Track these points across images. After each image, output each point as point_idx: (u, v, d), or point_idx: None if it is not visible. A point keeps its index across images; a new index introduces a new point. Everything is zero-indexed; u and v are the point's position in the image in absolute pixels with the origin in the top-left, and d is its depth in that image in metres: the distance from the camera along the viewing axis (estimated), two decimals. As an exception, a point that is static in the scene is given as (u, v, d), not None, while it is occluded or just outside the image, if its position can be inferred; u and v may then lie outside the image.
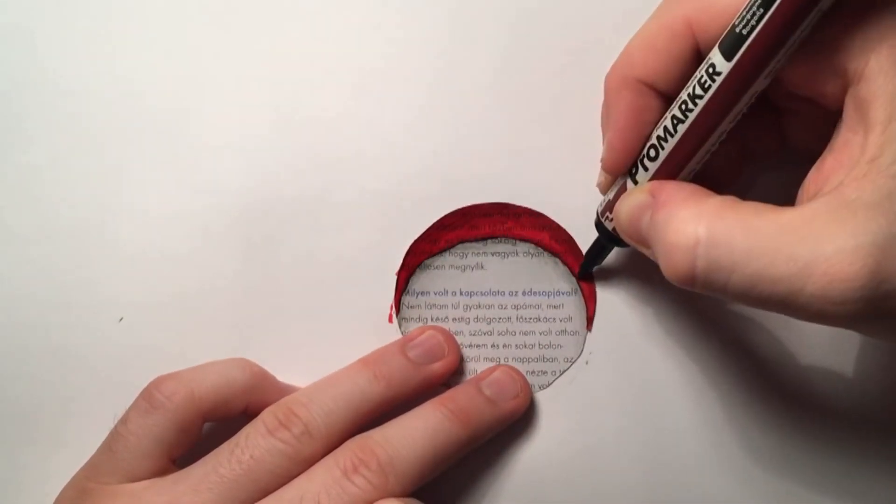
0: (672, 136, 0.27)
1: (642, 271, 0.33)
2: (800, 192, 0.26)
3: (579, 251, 0.33)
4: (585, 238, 0.33)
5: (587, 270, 0.33)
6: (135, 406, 0.30)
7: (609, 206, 0.30)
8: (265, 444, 0.28)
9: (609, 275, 0.33)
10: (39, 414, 0.33)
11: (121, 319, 0.33)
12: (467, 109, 0.33)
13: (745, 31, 0.24)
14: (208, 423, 0.31)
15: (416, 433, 0.29)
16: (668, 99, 0.28)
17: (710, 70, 0.25)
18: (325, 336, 0.33)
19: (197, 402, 0.29)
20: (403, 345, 0.32)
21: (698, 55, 0.27)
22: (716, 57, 0.25)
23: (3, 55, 0.34)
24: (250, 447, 0.28)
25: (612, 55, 0.33)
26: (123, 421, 0.29)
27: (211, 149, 0.34)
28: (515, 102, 0.33)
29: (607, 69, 0.32)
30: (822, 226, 0.22)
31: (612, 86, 0.29)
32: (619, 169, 0.29)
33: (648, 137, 0.28)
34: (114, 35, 0.34)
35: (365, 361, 0.31)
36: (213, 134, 0.34)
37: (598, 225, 0.31)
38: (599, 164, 0.30)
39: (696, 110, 0.26)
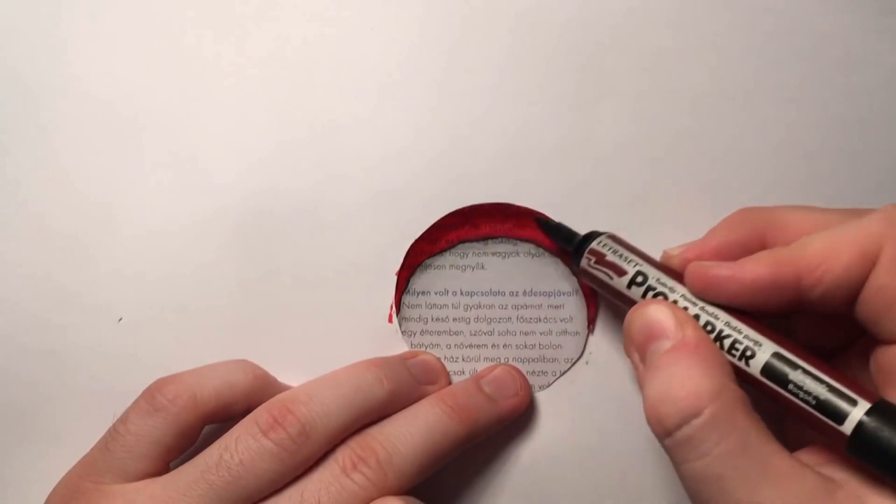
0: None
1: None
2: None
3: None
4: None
5: (545, 228, 0.33)
6: (135, 407, 0.29)
7: (606, 264, 0.29)
8: (256, 447, 0.27)
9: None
10: (38, 413, 0.33)
11: (120, 320, 0.33)
12: (468, 109, 0.33)
13: (791, 388, 0.24)
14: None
15: (415, 430, 0.29)
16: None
17: (749, 353, 0.25)
18: (325, 336, 0.33)
19: (199, 406, 0.29)
20: (404, 360, 0.32)
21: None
22: (761, 355, 0.25)
23: (1, 58, 0.34)
24: (240, 450, 0.27)
25: (612, 55, 0.33)
26: (123, 420, 0.29)
27: (211, 148, 0.33)
28: (516, 102, 0.33)
29: (606, 69, 0.32)
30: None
31: (770, 259, 0.26)
32: (710, 296, 0.26)
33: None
34: (113, 38, 0.34)
35: (370, 363, 0.31)
36: (213, 134, 0.34)
37: (585, 242, 0.30)
38: (687, 243, 0.28)
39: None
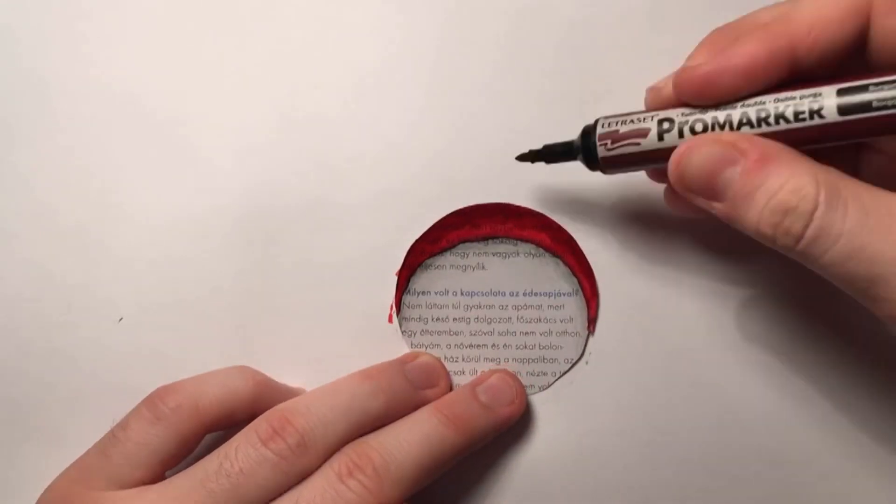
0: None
1: (644, 273, 0.33)
2: None
3: (580, 252, 0.33)
4: (586, 239, 0.33)
5: (534, 159, 0.31)
6: (137, 414, 0.29)
7: (624, 136, 0.27)
8: (256, 456, 0.28)
9: (610, 276, 0.33)
10: (39, 413, 0.33)
11: (120, 319, 0.33)
12: (468, 109, 0.33)
13: (876, 104, 0.24)
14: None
15: (412, 438, 0.29)
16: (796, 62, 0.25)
17: (817, 107, 0.24)
18: (325, 336, 0.33)
19: (201, 415, 0.29)
20: (402, 364, 0.32)
21: (864, 36, 0.25)
22: (828, 100, 0.24)
23: (5, 56, 0.34)
24: (240, 459, 0.27)
25: (611, 54, 0.33)
26: (123, 426, 0.29)
27: (211, 149, 0.33)
28: (516, 102, 0.33)
29: (606, 68, 0.32)
30: None
31: (758, 36, 0.25)
32: (713, 97, 0.26)
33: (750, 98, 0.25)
34: (114, 36, 0.34)
35: (366, 374, 0.31)
36: (213, 134, 0.34)
37: (587, 136, 0.29)
38: (665, 78, 0.28)
39: (772, 129, 0.25)
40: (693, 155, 0.26)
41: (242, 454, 0.28)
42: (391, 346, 0.33)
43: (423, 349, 0.33)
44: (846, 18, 0.25)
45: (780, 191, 0.24)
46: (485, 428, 0.31)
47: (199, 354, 0.33)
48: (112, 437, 0.29)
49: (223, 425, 0.30)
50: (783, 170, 0.24)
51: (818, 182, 0.23)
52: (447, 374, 0.33)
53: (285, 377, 0.32)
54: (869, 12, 0.25)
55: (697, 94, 0.26)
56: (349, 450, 0.29)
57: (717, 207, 0.26)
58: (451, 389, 0.33)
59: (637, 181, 0.33)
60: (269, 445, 0.28)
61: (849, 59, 0.25)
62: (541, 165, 0.33)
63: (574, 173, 0.33)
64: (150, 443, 0.28)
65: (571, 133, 0.33)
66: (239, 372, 0.31)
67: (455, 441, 0.30)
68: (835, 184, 0.23)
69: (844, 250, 0.23)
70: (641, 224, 0.33)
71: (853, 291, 0.24)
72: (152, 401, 0.29)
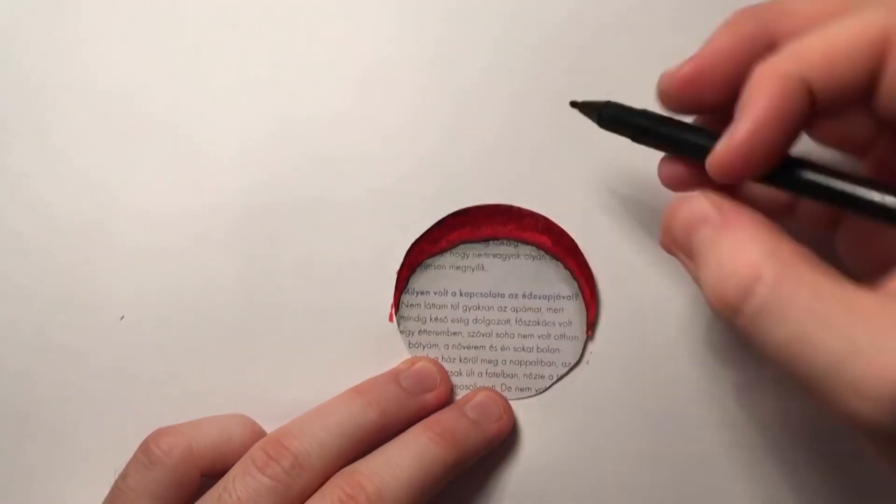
0: None
1: (643, 276, 0.33)
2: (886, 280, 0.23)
3: (581, 255, 0.33)
4: (587, 239, 0.33)
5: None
6: (134, 460, 0.30)
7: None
8: (253, 484, 0.28)
9: (611, 280, 0.33)
10: (40, 412, 0.33)
11: (122, 318, 0.33)
12: (468, 109, 0.33)
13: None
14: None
15: (403, 461, 0.29)
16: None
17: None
18: (325, 335, 0.33)
19: (195, 457, 0.29)
20: (396, 375, 0.32)
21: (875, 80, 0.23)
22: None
23: (2, 55, 0.34)
24: (238, 488, 0.28)
25: (612, 54, 0.33)
26: (123, 477, 0.29)
27: (211, 147, 0.33)
28: (518, 102, 0.33)
29: (607, 68, 0.32)
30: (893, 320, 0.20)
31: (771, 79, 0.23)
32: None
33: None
34: (114, 35, 0.34)
35: (357, 390, 0.31)
36: (213, 133, 0.33)
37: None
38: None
39: None
40: (681, 207, 0.24)
41: (240, 483, 0.28)
42: (391, 345, 0.33)
43: (420, 349, 0.33)
44: (861, 55, 0.22)
45: (730, 257, 0.22)
46: (476, 443, 0.31)
47: (199, 353, 0.33)
48: (115, 490, 0.29)
49: (218, 470, 0.30)
50: (743, 237, 0.22)
51: (772, 255, 0.21)
52: (447, 375, 0.33)
53: (285, 375, 0.33)
54: (885, 52, 0.22)
55: (677, 101, 0.24)
56: (340, 479, 0.28)
57: (689, 266, 0.24)
58: (451, 391, 0.33)
59: (640, 185, 0.33)
60: (265, 471, 0.28)
61: (857, 101, 0.23)
62: (543, 166, 0.33)
63: (576, 174, 0.33)
64: (149, 489, 0.29)
65: (573, 133, 0.33)
66: (237, 419, 0.31)
67: (447, 458, 0.30)
68: (795, 263, 0.21)
69: (787, 336, 0.21)
70: (645, 229, 0.33)
71: (797, 379, 0.21)
72: (147, 445, 0.30)
